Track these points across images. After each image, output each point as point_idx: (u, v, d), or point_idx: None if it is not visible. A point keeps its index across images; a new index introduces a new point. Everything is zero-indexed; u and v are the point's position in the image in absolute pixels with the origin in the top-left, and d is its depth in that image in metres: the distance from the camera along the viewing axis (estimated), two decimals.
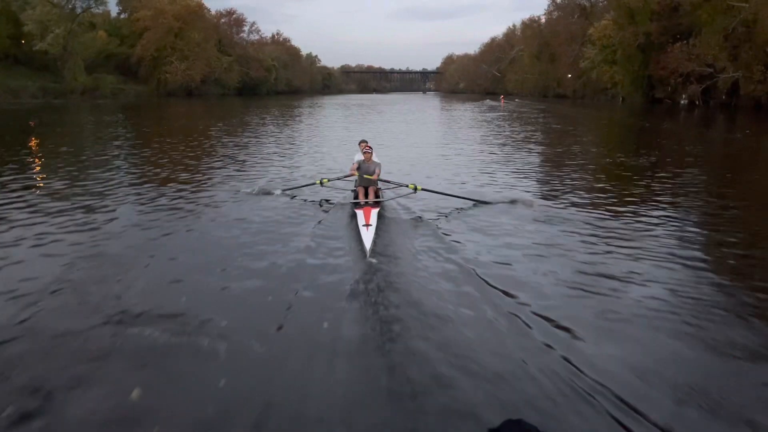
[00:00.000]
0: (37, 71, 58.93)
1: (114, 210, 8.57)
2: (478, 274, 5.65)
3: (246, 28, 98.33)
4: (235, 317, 4.65)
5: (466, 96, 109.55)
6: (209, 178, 11.84)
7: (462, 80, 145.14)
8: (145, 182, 11.19)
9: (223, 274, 5.71)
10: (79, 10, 62.14)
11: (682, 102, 51.44)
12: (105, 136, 22.08)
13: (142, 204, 9.12)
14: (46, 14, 56.86)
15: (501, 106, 55.48)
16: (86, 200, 9.24)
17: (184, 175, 12.11)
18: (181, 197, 9.71)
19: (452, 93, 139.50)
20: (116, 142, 19.53)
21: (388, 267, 5.86)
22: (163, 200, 9.44)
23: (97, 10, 66.31)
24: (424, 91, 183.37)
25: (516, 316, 4.68)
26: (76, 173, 12.27)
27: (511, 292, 5.20)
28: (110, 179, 11.33)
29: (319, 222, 7.86)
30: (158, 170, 12.79)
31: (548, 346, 4.14)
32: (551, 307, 4.84)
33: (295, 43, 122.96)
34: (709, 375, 3.86)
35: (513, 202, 9.11)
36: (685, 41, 48.39)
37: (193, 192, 10.22)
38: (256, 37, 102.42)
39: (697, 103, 47.48)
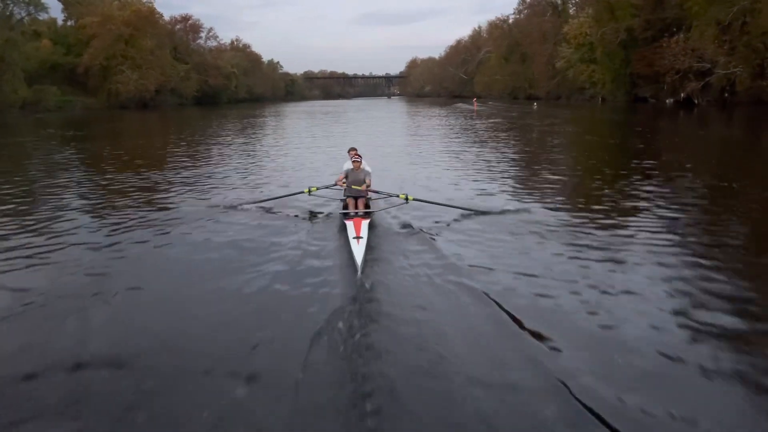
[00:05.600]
0: None
1: (59, 243, 7.33)
2: (475, 287, 5.44)
3: (203, 35, 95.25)
4: (214, 339, 4.48)
5: (433, 100, 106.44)
6: (172, 198, 10.64)
7: (427, 84, 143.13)
8: (93, 208, 10.00)
9: (198, 294, 5.50)
10: (17, 17, 57.11)
11: (668, 101, 49.26)
12: (43, 156, 18.92)
13: (94, 230, 8.16)
14: None
15: (474, 110, 52.67)
16: (28, 232, 8.05)
17: (140, 197, 10.90)
18: (140, 220, 8.78)
19: (418, 97, 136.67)
20: (56, 162, 16.34)
21: (381, 284, 5.59)
22: (117, 224, 8.49)
23: (39, 17, 61.85)
24: (389, 95, 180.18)
25: (516, 329, 4.53)
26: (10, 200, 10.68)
27: (511, 305, 4.98)
28: (52, 207, 9.92)
29: (306, 234, 7.58)
30: (107, 194, 11.46)
31: (546, 357, 4.03)
32: (552, 319, 4.70)
33: (255, 50, 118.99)
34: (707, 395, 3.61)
35: (508, 211, 8.74)
36: (674, 36, 46.14)
37: (155, 212, 9.38)
38: (214, 43, 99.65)
39: (696, 101, 45.06)
